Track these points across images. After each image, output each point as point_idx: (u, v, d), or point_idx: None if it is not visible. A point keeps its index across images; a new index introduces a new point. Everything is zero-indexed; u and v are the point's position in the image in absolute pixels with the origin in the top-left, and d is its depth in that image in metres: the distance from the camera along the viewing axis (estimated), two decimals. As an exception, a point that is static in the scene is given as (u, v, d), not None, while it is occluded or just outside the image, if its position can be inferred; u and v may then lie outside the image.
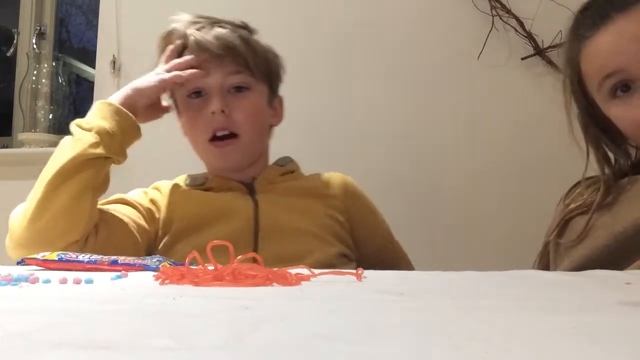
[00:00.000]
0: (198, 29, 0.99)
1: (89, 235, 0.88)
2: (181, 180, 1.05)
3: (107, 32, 1.71)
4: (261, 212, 0.97)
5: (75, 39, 2.27)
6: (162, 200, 1.00)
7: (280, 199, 1.00)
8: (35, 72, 1.96)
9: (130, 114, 0.92)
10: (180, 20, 1.02)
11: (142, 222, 0.96)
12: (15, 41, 1.99)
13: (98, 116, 0.90)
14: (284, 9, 1.58)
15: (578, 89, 0.87)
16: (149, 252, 0.97)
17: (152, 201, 1.00)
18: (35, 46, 1.97)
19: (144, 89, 0.95)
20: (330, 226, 1.00)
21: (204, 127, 0.98)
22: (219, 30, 0.99)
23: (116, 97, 0.94)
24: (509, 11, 1.41)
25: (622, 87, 0.80)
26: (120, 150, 0.91)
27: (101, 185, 0.90)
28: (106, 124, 0.89)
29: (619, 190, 0.84)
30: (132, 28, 1.70)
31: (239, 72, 0.99)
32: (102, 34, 1.74)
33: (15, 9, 2.02)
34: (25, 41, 2.01)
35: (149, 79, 0.97)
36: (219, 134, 0.98)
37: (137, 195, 1.01)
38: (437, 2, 1.48)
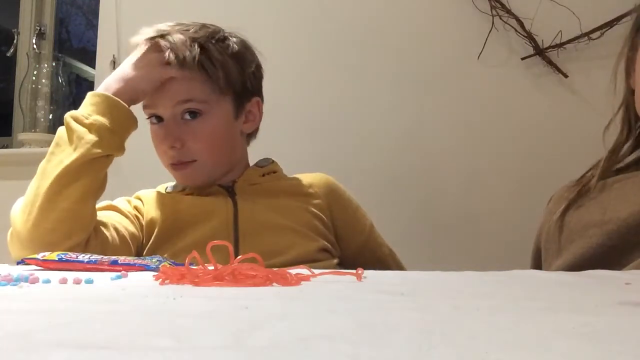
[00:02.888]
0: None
1: (90, 236, 0.88)
2: (162, 188, 1.06)
3: (107, 32, 1.71)
4: (240, 211, 0.97)
5: (75, 39, 2.27)
6: (144, 207, 1.00)
7: (259, 198, 1.00)
8: (35, 72, 1.96)
9: (127, 107, 0.90)
10: (144, 34, 0.97)
11: (132, 228, 0.97)
12: (15, 41, 1.99)
13: (96, 110, 0.89)
14: (283, 10, 1.58)
15: (631, 37, 0.86)
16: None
17: (136, 208, 1.01)
18: (35, 46, 1.98)
19: (141, 83, 0.92)
20: (311, 223, 1.00)
21: (163, 155, 0.98)
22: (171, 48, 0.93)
23: (110, 88, 0.91)
24: (509, 11, 1.41)
25: None
26: (121, 146, 0.91)
27: (101, 185, 0.91)
28: (106, 120, 0.88)
29: (609, 187, 0.84)
30: (132, 28, 1.70)
31: (187, 100, 0.94)
32: (102, 34, 1.74)
33: (15, 9, 2.02)
34: (25, 41, 2.01)
35: (140, 73, 0.92)
36: (175, 162, 0.97)
37: (122, 203, 1.01)
38: (437, 2, 1.48)
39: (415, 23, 1.50)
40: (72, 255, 0.71)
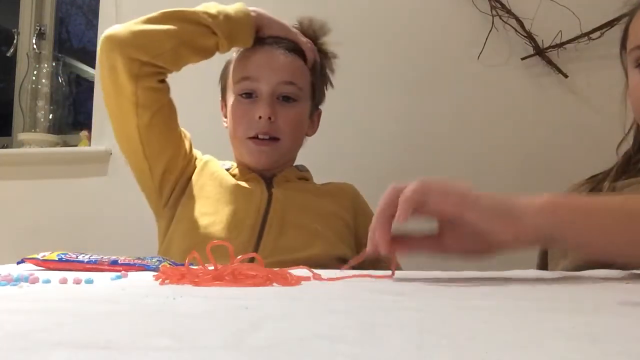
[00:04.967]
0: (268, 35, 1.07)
1: (164, 81, 1.02)
2: (217, 161, 1.13)
3: (107, 32, 1.71)
4: (273, 203, 1.02)
5: (75, 39, 2.26)
6: (199, 163, 1.09)
7: (294, 195, 1.05)
8: (35, 72, 1.96)
9: (253, 20, 1.03)
10: None
11: (185, 148, 1.08)
12: (15, 41, 1.99)
13: (229, 7, 1.03)
14: (283, 11, 1.57)
15: (622, 47, 0.88)
16: (162, 183, 1.06)
17: (196, 157, 1.11)
18: (35, 46, 1.97)
19: (273, 22, 1.07)
20: (338, 226, 1.04)
21: (248, 128, 1.04)
22: (288, 38, 1.07)
23: (253, 8, 1.05)
24: (509, 11, 1.41)
25: None
26: (228, 36, 1.01)
27: (197, 48, 1.01)
28: (230, 11, 1.02)
29: (618, 191, 0.84)
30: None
31: (292, 84, 1.04)
32: (102, 34, 1.74)
33: (15, 9, 2.02)
34: (25, 41, 2.01)
35: (280, 20, 1.08)
36: (261, 136, 1.03)
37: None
38: (437, 2, 1.48)
39: (415, 23, 1.50)
40: (72, 255, 0.71)
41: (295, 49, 1.07)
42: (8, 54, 1.98)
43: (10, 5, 2.04)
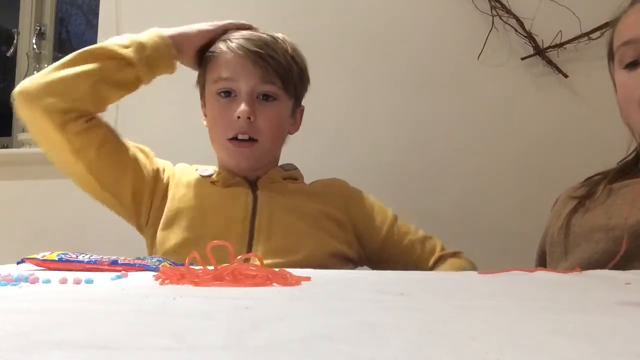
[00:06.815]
0: (242, 35, 1.04)
1: (92, 118, 0.97)
2: (192, 168, 1.09)
3: (107, 32, 1.71)
4: (259, 206, 1.00)
5: (75, 39, 2.26)
6: (172, 176, 1.05)
7: (279, 197, 1.03)
8: (35, 72, 1.96)
9: (169, 40, 1.00)
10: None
11: (146, 166, 1.03)
12: (15, 41, 1.99)
13: (142, 34, 1.01)
14: (285, 12, 1.58)
15: (609, 58, 0.89)
16: (136, 206, 1.02)
17: (164, 169, 1.06)
18: (35, 46, 1.97)
19: (190, 33, 1.03)
20: (327, 226, 1.02)
21: (227, 128, 1.01)
22: (261, 38, 1.03)
23: (166, 30, 1.02)
24: (509, 11, 1.41)
25: (632, 61, 0.82)
26: (146, 64, 0.98)
27: (116, 83, 0.98)
28: (143, 38, 0.99)
29: (615, 192, 0.84)
30: (132, 28, 1.70)
31: (271, 83, 1.01)
32: (102, 34, 1.74)
33: (15, 9, 2.02)
34: (25, 41, 2.01)
35: (196, 25, 1.05)
36: (240, 137, 1.01)
37: (155, 159, 1.07)
38: (437, 2, 1.48)
39: (416, 23, 1.50)
40: (72, 255, 0.71)
41: (271, 48, 1.03)
42: (8, 54, 1.98)
43: (10, 5, 2.04)
